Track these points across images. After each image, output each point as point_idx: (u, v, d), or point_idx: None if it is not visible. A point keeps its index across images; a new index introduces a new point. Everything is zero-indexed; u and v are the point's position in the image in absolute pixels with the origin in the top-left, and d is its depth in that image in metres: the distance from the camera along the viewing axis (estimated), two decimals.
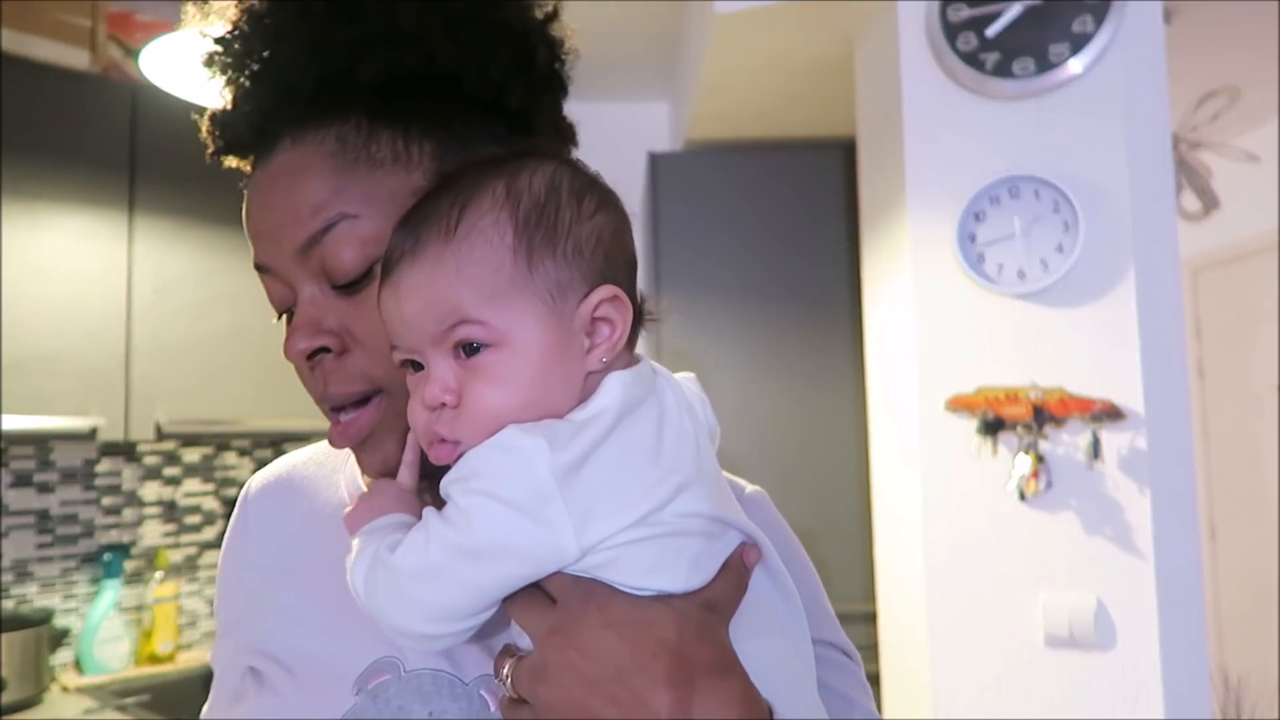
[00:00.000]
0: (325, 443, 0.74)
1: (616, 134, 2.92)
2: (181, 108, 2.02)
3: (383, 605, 0.49)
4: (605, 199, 0.55)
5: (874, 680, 2.09)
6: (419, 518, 0.51)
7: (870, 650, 2.14)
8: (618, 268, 0.54)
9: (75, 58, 2.16)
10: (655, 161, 2.61)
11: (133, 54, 2.18)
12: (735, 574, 0.51)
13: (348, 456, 0.72)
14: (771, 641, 0.52)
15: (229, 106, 0.63)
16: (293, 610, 0.63)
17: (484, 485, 0.47)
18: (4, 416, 1.89)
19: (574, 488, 0.47)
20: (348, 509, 0.54)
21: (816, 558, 0.69)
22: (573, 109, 0.69)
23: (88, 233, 2.06)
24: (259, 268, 0.60)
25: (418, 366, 0.52)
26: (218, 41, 0.61)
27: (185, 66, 1.81)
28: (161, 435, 2.15)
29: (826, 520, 2.42)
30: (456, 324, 0.50)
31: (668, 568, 0.49)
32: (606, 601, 0.48)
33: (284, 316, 0.62)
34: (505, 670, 0.51)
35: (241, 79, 0.61)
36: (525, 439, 0.47)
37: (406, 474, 0.55)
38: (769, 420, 2.51)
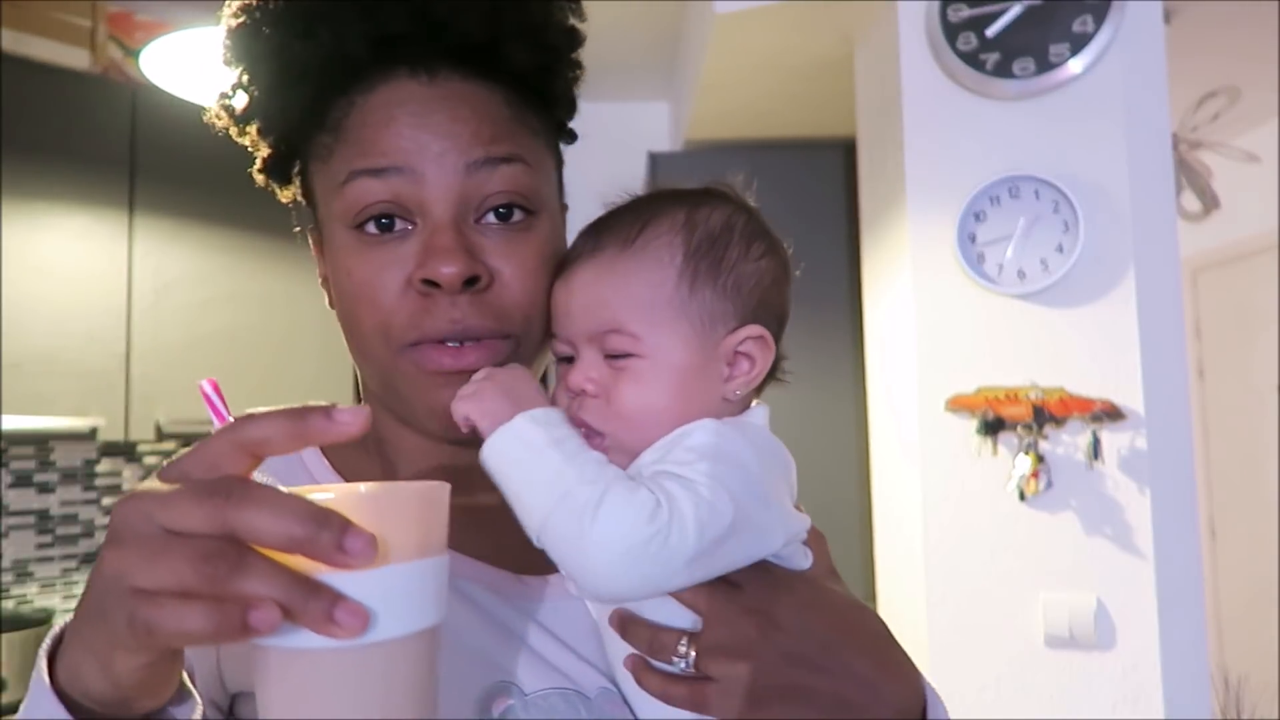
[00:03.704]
0: None
1: (616, 134, 2.92)
2: (182, 108, 2.02)
3: (603, 577, 0.48)
4: (773, 249, 0.60)
5: None
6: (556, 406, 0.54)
7: None
8: (769, 314, 0.59)
9: (75, 58, 2.16)
10: (655, 161, 2.61)
11: (133, 54, 2.18)
12: (819, 545, 0.59)
13: (297, 456, 0.63)
14: None
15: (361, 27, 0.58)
16: None
17: (723, 471, 0.50)
18: (4, 416, 1.89)
19: (771, 483, 0.53)
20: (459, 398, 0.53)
21: None
22: None
23: (88, 233, 2.06)
24: (382, 170, 0.56)
25: (569, 360, 0.57)
26: None
27: (185, 66, 1.81)
28: (161, 435, 2.14)
29: (826, 520, 2.41)
30: (611, 331, 0.54)
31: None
32: (792, 583, 0.53)
33: (364, 226, 0.57)
34: (683, 649, 0.51)
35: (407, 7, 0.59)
36: (734, 433, 0.53)
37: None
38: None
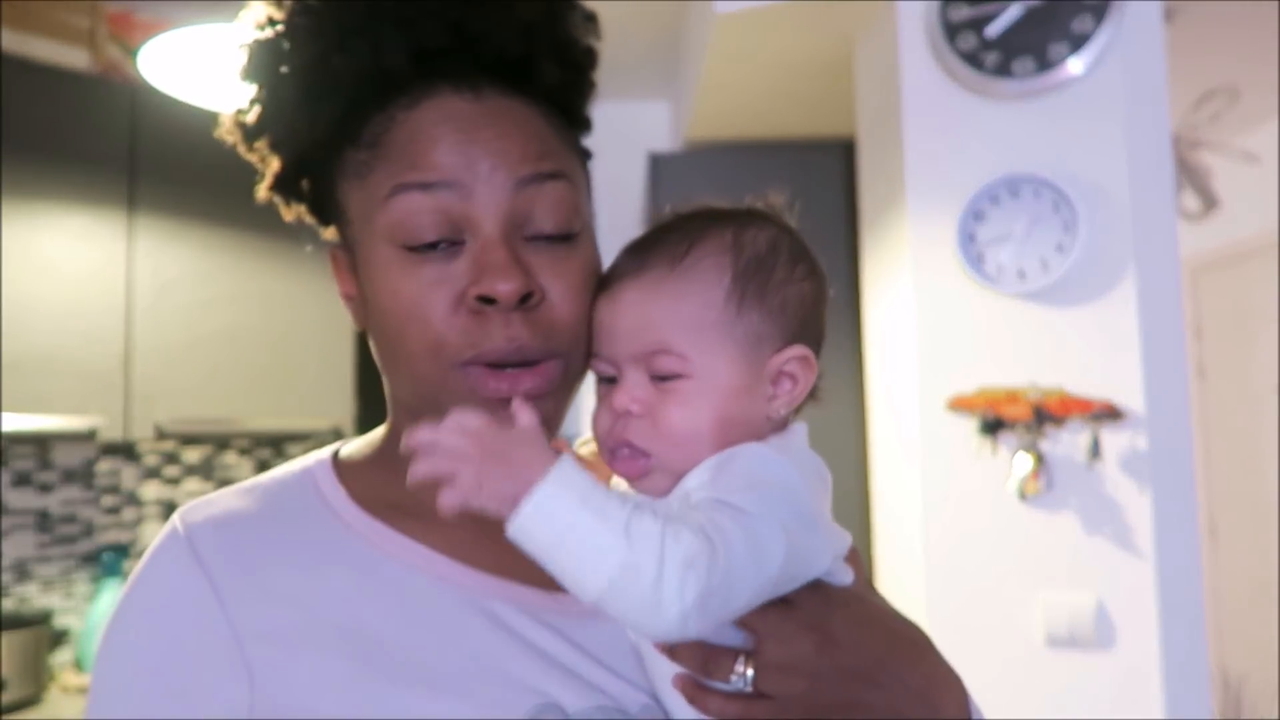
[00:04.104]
0: (260, 479, 0.63)
1: (616, 134, 2.92)
2: (182, 108, 2.02)
3: (670, 630, 0.47)
4: (814, 270, 0.60)
5: None
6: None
7: None
8: (810, 334, 0.59)
9: (75, 58, 2.16)
10: (655, 162, 2.61)
11: (132, 54, 2.18)
12: (856, 560, 0.60)
13: (313, 488, 0.61)
14: None
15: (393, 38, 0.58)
16: (400, 678, 0.53)
17: (773, 498, 0.50)
18: (4, 416, 1.89)
19: (817, 505, 0.54)
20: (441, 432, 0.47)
21: None
22: None
23: (88, 233, 2.06)
24: (432, 184, 0.55)
25: (610, 381, 0.57)
26: None
27: (185, 66, 1.81)
28: (161, 435, 2.15)
29: None
30: (658, 351, 0.54)
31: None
32: (843, 599, 0.54)
33: (421, 249, 0.56)
34: (740, 668, 0.52)
35: (435, 25, 0.58)
36: (780, 458, 0.53)
37: (527, 415, 0.50)
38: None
